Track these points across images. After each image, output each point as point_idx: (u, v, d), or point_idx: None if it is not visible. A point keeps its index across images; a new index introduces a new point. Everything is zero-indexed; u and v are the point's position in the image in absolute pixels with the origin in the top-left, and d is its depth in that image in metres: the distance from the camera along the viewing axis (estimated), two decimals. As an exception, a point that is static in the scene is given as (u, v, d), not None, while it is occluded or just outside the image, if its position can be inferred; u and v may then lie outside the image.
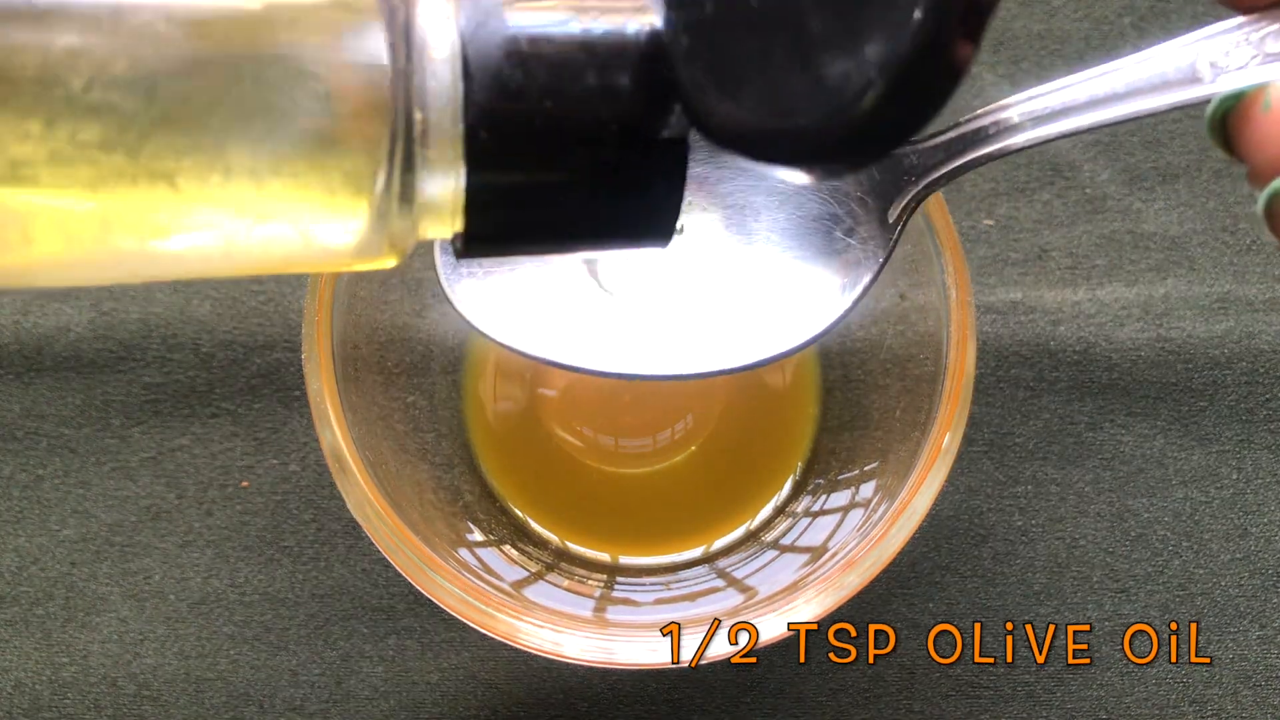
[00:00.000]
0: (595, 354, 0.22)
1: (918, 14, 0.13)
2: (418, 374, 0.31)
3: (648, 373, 0.22)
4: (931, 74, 0.13)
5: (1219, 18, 0.18)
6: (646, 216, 0.17)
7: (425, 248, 0.23)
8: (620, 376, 0.22)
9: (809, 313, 0.22)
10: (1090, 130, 0.19)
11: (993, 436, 0.33)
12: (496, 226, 0.17)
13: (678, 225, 0.18)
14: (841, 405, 0.32)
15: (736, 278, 0.22)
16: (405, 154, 0.15)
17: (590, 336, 0.22)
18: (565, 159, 0.16)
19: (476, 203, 0.16)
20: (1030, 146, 0.20)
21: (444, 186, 0.16)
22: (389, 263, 0.16)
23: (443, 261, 0.22)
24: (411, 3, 0.15)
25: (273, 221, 0.15)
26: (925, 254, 0.26)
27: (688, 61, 0.16)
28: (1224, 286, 0.34)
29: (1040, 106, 0.19)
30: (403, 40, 0.15)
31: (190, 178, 0.14)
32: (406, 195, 0.15)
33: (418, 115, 0.15)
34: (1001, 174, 0.35)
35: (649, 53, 0.16)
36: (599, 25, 0.16)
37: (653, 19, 0.16)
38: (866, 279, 0.22)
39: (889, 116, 0.14)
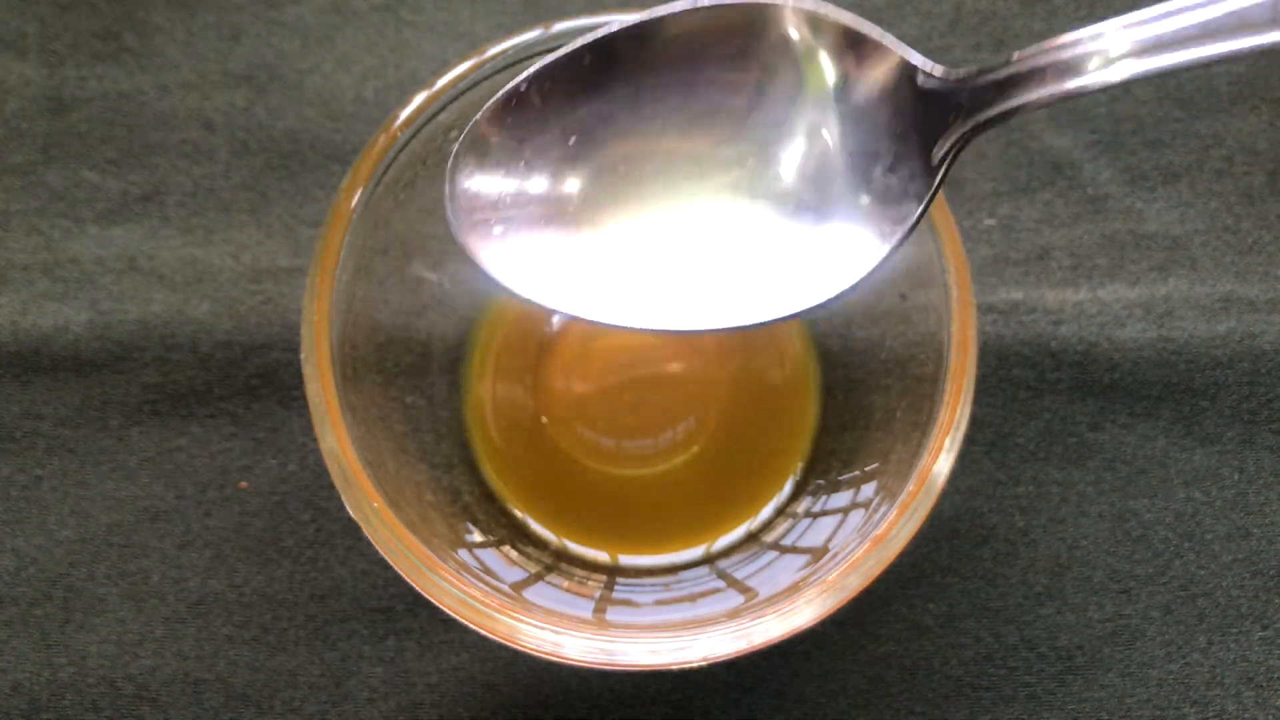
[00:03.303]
0: (618, 307, 0.20)
1: None
2: (417, 374, 0.31)
3: (679, 327, 0.20)
4: None
5: None
6: None
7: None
8: (647, 330, 0.20)
9: (845, 260, 0.20)
10: (1155, 75, 0.17)
11: (994, 437, 0.33)
12: None
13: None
14: (842, 406, 0.32)
15: (771, 220, 0.21)
16: None
17: (610, 288, 0.21)
18: None
19: None
20: (1087, 94, 0.18)
21: None
22: None
23: (452, 210, 0.21)
24: None
25: None
26: (926, 253, 0.26)
27: None
28: (1226, 286, 0.34)
29: (1104, 46, 0.17)
30: None
31: None
32: None
33: None
34: (1002, 173, 0.35)
35: None
36: None
37: None
38: (907, 223, 0.20)
39: None
